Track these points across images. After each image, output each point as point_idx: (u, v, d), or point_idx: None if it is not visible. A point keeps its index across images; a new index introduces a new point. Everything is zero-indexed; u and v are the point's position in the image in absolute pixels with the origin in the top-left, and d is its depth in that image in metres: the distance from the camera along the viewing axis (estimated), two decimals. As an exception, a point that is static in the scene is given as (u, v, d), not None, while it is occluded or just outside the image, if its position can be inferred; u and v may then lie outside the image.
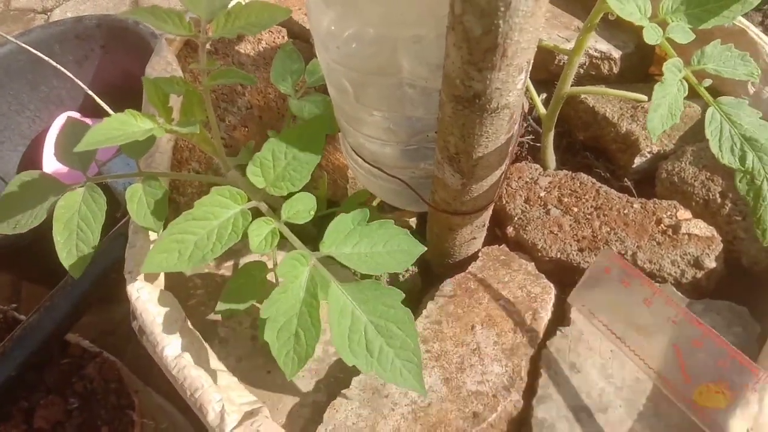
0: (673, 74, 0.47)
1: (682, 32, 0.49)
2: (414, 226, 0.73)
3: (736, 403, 0.45)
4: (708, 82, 0.48)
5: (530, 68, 0.44)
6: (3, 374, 0.80)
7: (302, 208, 0.53)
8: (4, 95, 1.26)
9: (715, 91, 0.66)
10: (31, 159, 1.30)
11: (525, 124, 0.79)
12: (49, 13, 2.07)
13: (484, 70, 0.40)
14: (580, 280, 0.55)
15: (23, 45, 1.17)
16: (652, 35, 0.49)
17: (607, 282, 0.53)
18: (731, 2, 0.49)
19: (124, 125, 0.51)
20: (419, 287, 0.68)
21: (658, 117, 0.46)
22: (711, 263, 0.59)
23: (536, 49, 0.68)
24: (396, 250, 0.51)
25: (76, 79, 1.13)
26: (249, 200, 0.54)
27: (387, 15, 0.46)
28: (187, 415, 1.02)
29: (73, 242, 0.59)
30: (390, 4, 0.45)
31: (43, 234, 0.96)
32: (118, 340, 1.22)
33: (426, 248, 0.52)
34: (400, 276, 0.67)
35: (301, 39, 0.84)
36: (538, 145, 0.74)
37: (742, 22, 0.67)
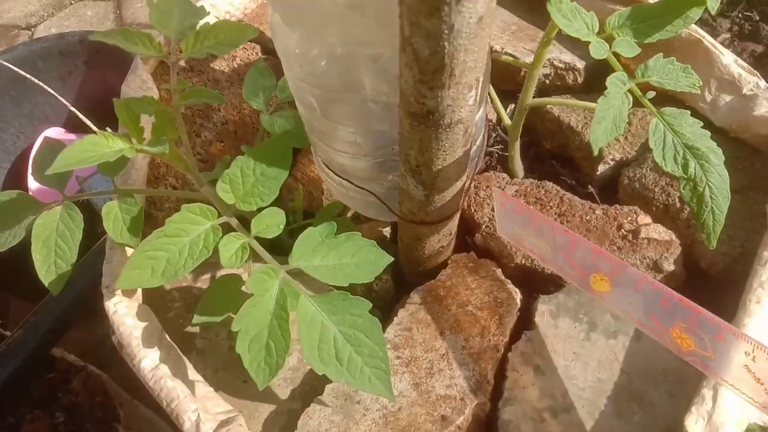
0: (617, 87, 0.50)
1: (628, 46, 0.51)
2: (388, 236, 0.75)
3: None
4: (651, 94, 0.51)
5: (482, 85, 0.46)
6: (-12, 390, 0.82)
7: (271, 222, 0.54)
8: (-12, 112, 1.27)
9: (674, 99, 0.68)
10: (16, 176, 1.31)
11: (494, 135, 0.81)
12: (33, 29, 2.08)
13: (434, 88, 0.42)
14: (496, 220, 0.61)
15: (5, 63, 1.19)
16: (598, 50, 0.51)
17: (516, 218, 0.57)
18: (673, 18, 0.51)
19: (96, 146, 0.53)
20: (392, 294, 0.70)
21: (602, 129, 0.48)
22: (670, 266, 0.61)
23: (501, 62, 0.70)
24: (363, 261, 0.53)
25: (59, 97, 1.15)
26: (220, 216, 0.55)
27: (345, 36, 0.48)
28: (174, 426, 1.03)
29: (51, 260, 0.61)
30: (347, 26, 0.47)
31: (25, 250, 0.98)
32: (105, 354, 1.23)
33: (392, 258, 0.54)
34: (374, 284, 0.69)
35: (274, 55, 0.85)
36: (507, 154, 0.76)
37: (698, 32, 0.70)
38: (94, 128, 1.15)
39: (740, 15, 1.28)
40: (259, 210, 0.55)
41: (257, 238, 0.54)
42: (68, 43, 1.30)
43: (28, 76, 1.16)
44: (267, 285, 0.50)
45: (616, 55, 0.52)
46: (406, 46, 0.41)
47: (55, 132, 1.34)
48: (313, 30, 0.49)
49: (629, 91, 0.50)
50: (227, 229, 0.55)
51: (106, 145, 0.52)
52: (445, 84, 0.42)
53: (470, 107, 0.45)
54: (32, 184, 1.25)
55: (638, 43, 0.52)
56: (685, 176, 0.48)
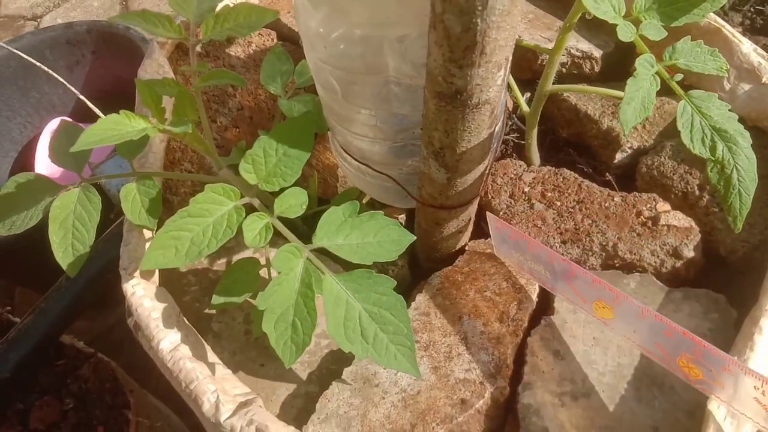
0: (645, 69, 0.49)
1: (654, 29, 0.51)
2: (403, 223, 0.75)
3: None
4: (679, 76, 0.51)
5: (509, 65, 0.46)
6: (-3, 376, 0.82)
7: (294, 202, 0.54)
8: (-5, 102, 1.27)
9: (693, 88, 0.68)
10: (23, 165, 1.31)
11: (510, 123, 0.81)
12: (39, 20, 2.07)
13: (464, 67, 0.42)
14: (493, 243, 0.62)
15: (14, 51, 1.19)
16: (625, 33, 0.51)
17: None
18: (701, 1, 0.51)
19: (118, 125, 0.52)
20: (408, 281, 0.70)
21: (631, 110, 0.48)
22: (689, 253, 0.61)
23: (519, 49, 0.70)
24: (386, 240, 0.52)
25: (68, 85, 1.14)
26: (242, 197, 0.55)
27: (371, 16, 0.48)
28: (182, 415, 1.03)
29: (68, 242, 0.61)
30: (374, 5, 0.47)
31: (35, 238, 0.97)
32: (112, 345, 1.23)
33: (415, 237, 0.54)
34: (390, 270, 0.69)
35: (290, 41, 0.85)
36: (523, 142, 0.76)
37: (718, 21, 0.70)
38: (103, 116, 1.15)
39: (752, 9, 1.28)
40: (281, 191, 0.55)
41: (280, 218, 0.54)
42: (76, 33, 1.30)
43: (36, 63, 1.16)
44: (292, 264, 0.50)
45: (643, 38, 0.52)
46: (437, 23, 0.41)
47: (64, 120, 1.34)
48: (338, 9, 0.49)
49: (656, 73, 0.50)
50: (249, 209, 0.55)
51: (128, 124, 0.52)
52: (475, 62, 0.42)
53: (498, 87, 0.45)
54: (39, 171, 1.25)
55: (665, 26, 0.52)
56: (713, 158, 0.48)
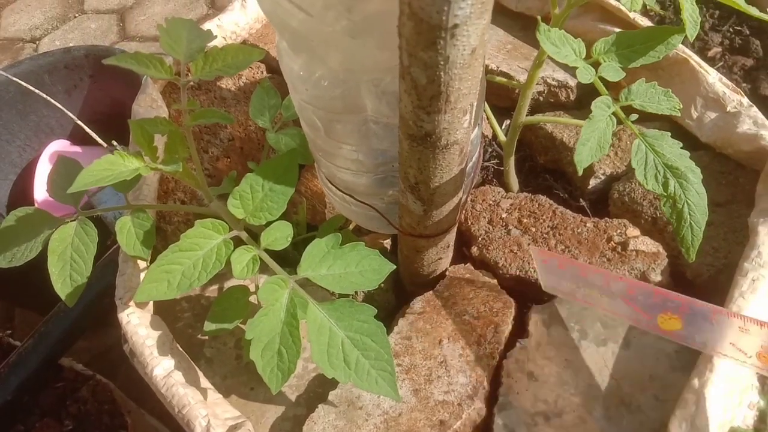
0: (601, 110, 0.53)
1: (613, 71, 0.55)
2: (388, 248, 0.78)
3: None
4: (635, 116, 0.54)
5: (476, 109, 0.49)
6: (-1, 399, 0.84)
7: (280, 235, 0.57)
8: (-5, 125, 1.30)
9: (662, 117, 0.71)
10: (22, 187, 1.34)
11: (489, 150, 0.84)
12: (37, 42, 2.11)
13: (432, 113, 0.45)
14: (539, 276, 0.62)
15: (13, 78, 1.22)
16: (585, 75, 0.54)
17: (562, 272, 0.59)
18: (656, 43, 0.54)
19: (112, 165, 0.56)
20: (393, 304, 0.73)
21: (587, 150, 0.51)
22: (657, 277, 0.64)
23: (492, 83, 0.73)
24: (367, 269, 0.56)
25: (65, 110, 1.18)
26: (230, 230, 0.58)
27: (347, 62, 0.51)
28: (179, 434, 1.05)
29: (67, 273, 0.64)
30: (349, 53, 0.50)
31: (35, 263, 1.00)
32: (110, 364, 1.26)
33: (395, 266, 0.57)
34: (375, 294, 0.72)
35: (278, 74, 0.89)
36: (503, 168, 0.79)
37: (685, 51, 0.73)
38: (101, 141, 1.18)
39: (731, 29, 1.31)
40: (268, 224, 0.58)
41: (266, 250, 0.57)
42: (74, 57, 1.33)
43: (35, 90, 1.20)
44: (277, 295, 0.53)
45: (602, 79, 0.55)
46: (405, 74, 0.44)
47: (61, 144, 1.37)
48: (317, 56, 0.53)
49: (614, 113, 0.54)
50: (238, 242, 0.58)
51: (122, 164, 0.55)
52: (441, 109, 0.45)
53: (465, 129, 0.48)
54: (38, 195, 1.28)
55: (623, 67, 0.55)
56: (665, 194, 0.51)
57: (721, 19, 1.36)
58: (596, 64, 0.56)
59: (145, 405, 1.06)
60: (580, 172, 0.51)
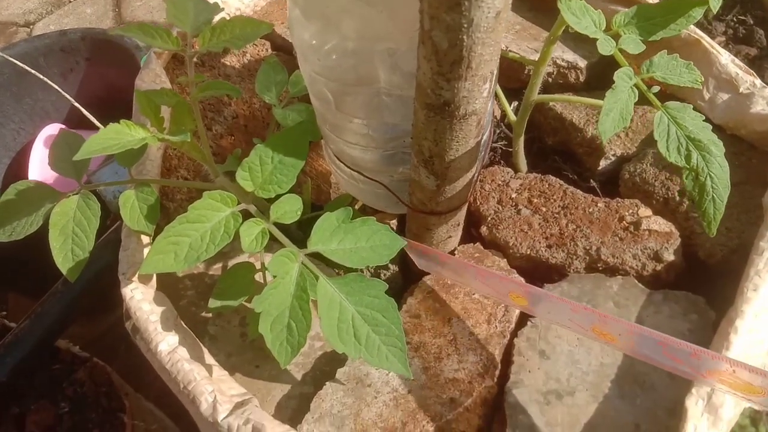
0: (624, 81, 0.52)
1: (633, 43, 0.54)
2: (394, 229, 0.77)
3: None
4: (656, 88, 0.53)
5: (495, 78, 0.48)
6: (-6, 380, 0.82)
7: (289, 208, 0.56)
8: (-11, 108, 1.28)
9: (674, 98, 0.71)
10: (16, 171, 1.32)
11: (498, 131, 0.83)
12: (31, 27, 2.08)
13: (451, 80, 0.44)
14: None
15: (8, 58, 1.20)
16: (605, 46, 0.53)
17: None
18: (677, 16, 0.53)
19: (119, 135, 0.54)
20: (400, 285, 0.72)
21: (609, 120, 0.50)
22: (670, 256, 0.63)
23: (507, 60, 0.73)
24: (378, 244, 0.55)
25: (62, 92, 1.16)
26: (239, 203, 0.57)
27: (362, 30, 0.50)
28: (176, 420, 1.04)
29: (68, 247, 0.62)
30: (364, 20, 0.49)
31: (30, 244, 0.98)
32: (106, 350, 1.24)
33: (406, 242, 0.56)
34: (382, 274, 0.71)
35: (284, 51, 0.87)
36: (511, 150, 0.78)
37: (697, 32, 0.73)
38: (99, 124, 1.16)
39: (735, 19, 1.31)
40: (277, 197, 0.57)
41: (275, 224, 0.56)
42: (70, 40, 1.31)
43: (32, 71, 1.18)
44: (287, 268, 0.52)
45: (622, 51, 0.54)
46: (425, 39, 0.43)
47: (56, 128, 1.35)
48: (331, 23, 0.51)
49: (635, 85, 0.53)
50: (246, 215, 0.56)
51: (128, 133, 0.54)
52: (461, 76, 0.44)
53: (484, 99, 0.47)
54: (33, 177, 1.26)
55: (643, 40, 0.54)
56: (688, 166, 0.50)
57: (725, 9, 1.36)
58: (616, 37, 0.55)
59: (141, 390, 1.05)
60: (605, 142, 0.50)
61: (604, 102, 0.51)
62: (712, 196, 0.50)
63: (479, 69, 0.44)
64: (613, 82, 0.53)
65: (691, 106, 0.52)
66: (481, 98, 0.47)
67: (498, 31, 0.42)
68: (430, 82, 0.45)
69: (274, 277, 0.52)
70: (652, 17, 0.54)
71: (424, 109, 0.48)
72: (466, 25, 0.40)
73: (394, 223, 0.77)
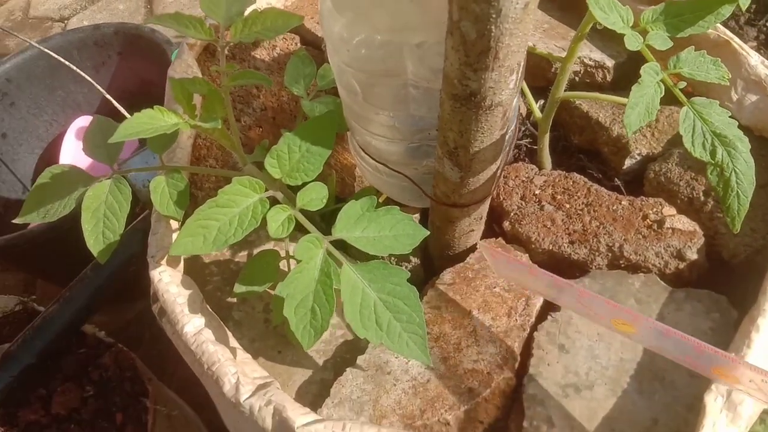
0: (650, 76, 0.52)
1: (661, 40, 0.54)
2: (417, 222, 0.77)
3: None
4: (682, 84, 0.53)
5: (522, 70, 0.49)
6: (23, 362, 0.84)
7: (315, 196, 0.57)
8: (24, 99, 1.31)
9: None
10: (48, 161, 1.35)
11: (523, 128, 0.84)
12: (66, 22, 2.13)
13: (478, 70, 0.45)
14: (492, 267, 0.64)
15: (45, 50, 1.23)
16: (633, 42, 0.53)
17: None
18: (705, 13, 0.54)
19: (152, 120, 0.56)
20: (421, 278, 0.72)
21: (635, 114, 0.50)
22: (693, 255, 0.63)
23: (534, 58, 0.73)
24: (401, 233, 0.55)
25: (95, 84, 1.19)
26: (266, 190, 0.58)
27: (392, 21, 0.51)
28: (197, 409, 1.06)
29: (99, 230, 0.64)
30: (394, 11, 0.50)
31: (57, 234, 1.00)
32: (129, 340, 1.27)
33: (429, 232, 0.57)
34: (404, 266, 0.72)
35: (312, 46, 0.89)
36: (536, 147, 0.78)
37: (727, 33, 0.72)
38: (128, 115, 1.19)
39: (767, 24, 1.30)
40: (303, 185, 0.58)
41: (302, 211, 0.57)
42: (103, 34, 1.34)
43: (66, 62, 1.21)
44: (312, 253, 0.53)
45: (649, 48, 0.54)
46: (453, 29, 0.43)
47: (87, 120, 1.38)
48: (361, 14, 0.52)
49: (661, 81, 0.53)
50: (273, 202, 0.58)
51: (161, 119, 0.55)
52: (489, 66, 0.44)
53: (510, 90, 0.48)
54: (65, 166, 1.28)
55: (670, 37, 0.54)
56: (713, 162, 0.50)
57: (758, 14, 1.35)
58: (644, 33, 0.55)
59: (164, 379, 1.07)
60: (630, 135, 0.50)
61: (630, 96, 0.51)
62: (737, 191, 0.50)
63: (506, 60, 0.44)
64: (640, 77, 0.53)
65: (717, 102, 0.52)
66: (507, 89, 0.47)
67: (526, 23, 0.42)
68: (457, 73, 0.46)
69: (298, 262, 0.53)
70: (681, 13, 0.54)
71: (450, 100, 0.49)
72: (494, 16, 0.40)
73: (416, 217, 0.77)
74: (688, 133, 0.51)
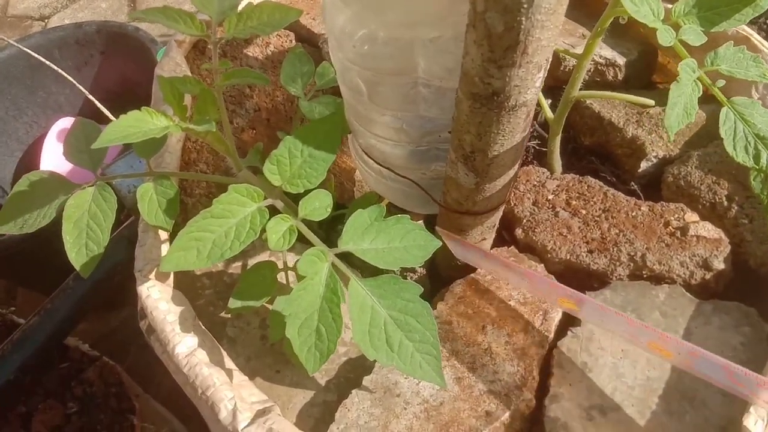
0: (687, 74, 0.48)
1: (694, 34, 0.50)
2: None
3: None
4: (721, 82, 0.49)
5: (548, 67, 0.45)
6: (1, 378, 0.79)
7: (319, 204, 0.53)
8: (2, 100, 1.26)
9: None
10: (28, 164, 1.30)
11: (531, 129, 0.80)
12: (46, 21, 2.07)
13: (504, 67, 0.41)
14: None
15: (24, 49, 1.18)
16: (666, 37, 0.50)
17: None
18: (742, 6, 0.50)
19: (140, 123, 0.51)
20: (428, 289, 0.68)
21: (675, 115, 0.46)
22: (720, 264, 0.59)
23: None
24: (412, 245, 0.51)
25: (77, 84, 1.13)
26: (265, 198, 0.54)
27: (406, 15, 0.47)
28: (185, 422, 1.02)
29: (82, 241, 0.59)
30: (408, 4, 0.46)
31: (41, 238, 0.95)
32: (114, 348, 1.22)
33: (441, 243, 0.53)
34: (409, 278, 0.67)
35: (308, 43, 0.84)
36: (544, 149, 0.74)
37: (746, 29, 0.69)
38: (113, 117, 1.14)
39: (767, 22, 1.27)
40: (305, 193, 0.54)
41: (304, 221, 0.53)
42: (86, 33, 1.29)
43: (46, 62, 1.15)
44: (317, 268, 0.48)
45: (682, 43, 0.50)
46: (477, 21, 0.39)
47: (69, 122, 1.34)
48: (371, 7, 0.48)
49: (698, 79, 0.49)
50: (273, 211, 0.53)
51: (150, 121, 0.51)
52: (516, 63, 0.40)
53: (536, 89, 0.44)
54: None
55: (705, 31, 0.51)
56: (756, 167, 0.47)
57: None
58: (675, 27, 0.51)
59: (151, 391, 1.02)
60: (672, 138, 0.46)
61: (669, 95, 0.47)
62: (783, 199, 0.47)
63: (535, 55, 0.40)
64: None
65: (759, 102, 0.48)
66: (533, 88, 0.43)
67: (559, 14, 0.38)
68: (479, 70, 0.42)
69: (302, 278, 0.49)
70: (716, 6, 0.50)
71: (469, 100, 0.45)
72: (525, 6, 0.36)
73: (420, 224, 0.73)
74: (729, 136, 0.47)
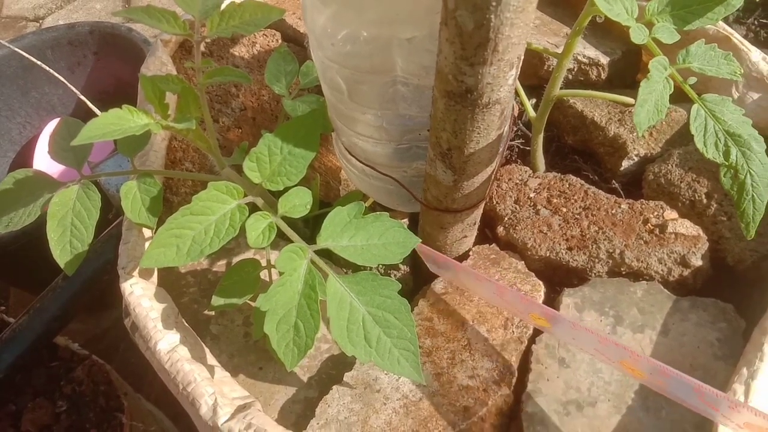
0: (658, 72, 0.49)
1: (667, 33, 0.51)
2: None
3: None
4: (693, 80, 0.50)
5: (520, 65, 0.45)
6: (-9, 377, 0.80)
7: (299, 202, 0.53)
8: (-5, 101, 1.26)
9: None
10: (21, 165, 1.30)
11: (515, 128, 0.80)
12: (41, 21, 2.07)
13: (475, 65, 0.41)
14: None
15: (16, 49, 1.18)
16: (638, 35, 0.50)
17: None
18: (714, 5, 0.50)
19: (120, 120, 0.51)
20: (411, 286, 0.69)
21: (644, 112, 0.47)
22: (697, 261, 0.60)
23: (526, 55, 0.70)
24: (391, 242, 0.52)
25: (69, 85, 1.14)
26: (245, 196, 0.54)
27: (383, 13, 0.47)
28: (175, 421, 1.02)
29: (67, 239, 0.59)
30: (385, 3, 0.46)
31: (32, 238, 0.96)
32: (105, 348, 1.22)
33: (420, 240, 0.53)
34: (393, 275, 0.68)
35: (294, 42, 0.85)
36: (528, 148, 0.75)
37: (726, 29, 0.69)
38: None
39: (756, 22, 1.28)
40: (285, 190, 0.54)
41: (283, 218, 0.53)
42: (78, 34, 1.29)
43: (40, 63, 1.15)
44: (295, 264, 0.49)
45: (655, 41, 0.51)
46: (449, 19, 0.40)
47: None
48: (348, 5, 0.48)
49: (670, 76, 0.50)
50: (253, 208, 0.53)
51: (131, 119, 0.51)
52: (487, 60, 0.41)
53: (509, 87, 0.44)
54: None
55: (678, 29, 0.51)
56: (726, 163, 0.47)
57: (746, 12, 1.33)
58: (649, 25, 0.52)
59: (142, 390, 1.03)
60: (640, 135, 0.47)
61: (639, 92, 0.47)
62: (752, 195, 0.47)
63: (506, 53, 0.41)
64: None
65: (730, 99, 0.49)
66: (506, 86, 0.44)
67: (528, 12, 0.39)
68: (452, 68, 0.42)
69: (281, 274, 0.49)
70: (689, 5, 0.51)
71: (444, 98, 0.45)
72: (494, 4, 0.37)
73: (405, 222, 0.73)
74: (700, 133, 0.48)
